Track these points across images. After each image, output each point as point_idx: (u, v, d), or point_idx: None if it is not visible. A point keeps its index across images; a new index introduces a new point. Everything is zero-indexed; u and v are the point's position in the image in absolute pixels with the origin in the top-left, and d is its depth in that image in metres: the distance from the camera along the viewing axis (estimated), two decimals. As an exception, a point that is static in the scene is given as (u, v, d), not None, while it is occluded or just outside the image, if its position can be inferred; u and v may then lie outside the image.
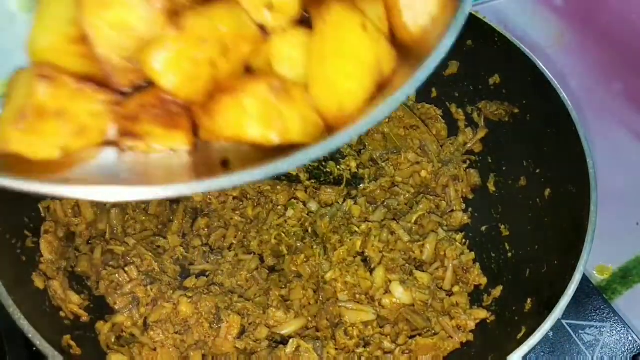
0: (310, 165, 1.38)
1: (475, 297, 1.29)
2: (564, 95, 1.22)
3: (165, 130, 0.61)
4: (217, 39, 0.59)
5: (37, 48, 0.60)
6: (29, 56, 0.61)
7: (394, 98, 0.59)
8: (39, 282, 1.16)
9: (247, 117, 0.60)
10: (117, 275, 1.23)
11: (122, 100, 0.62)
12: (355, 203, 1.38)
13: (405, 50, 0.66)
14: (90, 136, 0.61)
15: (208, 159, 0.65)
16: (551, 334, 1.27)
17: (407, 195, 1.41)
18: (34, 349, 1.03)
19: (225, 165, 0.63)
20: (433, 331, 1.21)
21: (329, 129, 0.64)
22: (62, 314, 1.16)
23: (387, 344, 1.19)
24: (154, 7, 0.57)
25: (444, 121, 1.50)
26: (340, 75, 0.61)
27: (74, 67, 0.61)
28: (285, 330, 1.21)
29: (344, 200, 1.38)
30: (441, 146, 1.48)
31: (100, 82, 0.62)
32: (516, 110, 1.36)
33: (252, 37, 0.63)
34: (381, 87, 0.64)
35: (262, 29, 0.64)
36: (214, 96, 0.62)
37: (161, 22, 0.58)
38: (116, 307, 1.22)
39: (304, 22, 0.65)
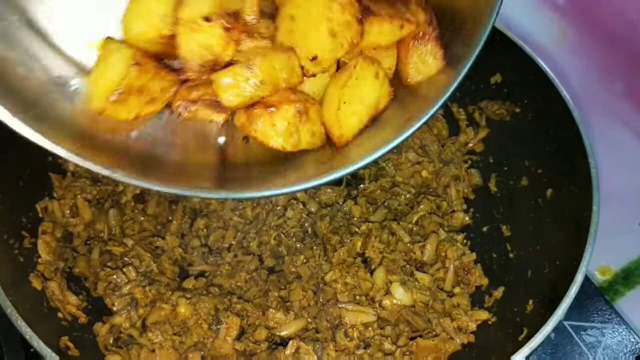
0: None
1: (477, 298, 1.29)
2: (565, 94, 1.21)
3: (213, 112, 0.83)
4: (273, 83, 0.79)
5: (131, 32, 0.77)
6: (123, 33, 0.78)
7: (389, 146, 0.79)
8: (36, 283, 1.15)
9: (274, 131, 0.81)
10: (115, 276, 1.22)
11: (188, 86, 0.81)
12: (356, 203, 1.37)
13: (402, 86, 0.86)
14: (157, 105, 0.80)
15: (234, 132, 0.86)
16: (553, 335, 1.26)
17: (407, 196, 1.40)
18: (32, 350, 1.03)
19: (246, 140, 0.86)
20: (434, 332, 1.21)
21: (330, 142, 0.84)
22: (60, 315, 1.16)
23: (387, 346, 1.18)
24: (231, 37, 0.78)
25: (445, 120, 1.50)
26: (348, 113, 0.81)
27: (155, 49, 0.79)
28: (285, 332, 1.20)
29: (344, 201, 1.38)
30: (442, 146, 1.48)
31: (169, 57, 0.80)
32: (517, 110, 1.35)
33: (296, 83, 0.82)
34: (374, 118, 0.84)
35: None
36: (255, 105, 0.81)
37: (233, 47, 0.79)
38: (114, 308, 1.21)
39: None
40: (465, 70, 0.77)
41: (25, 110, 0.74)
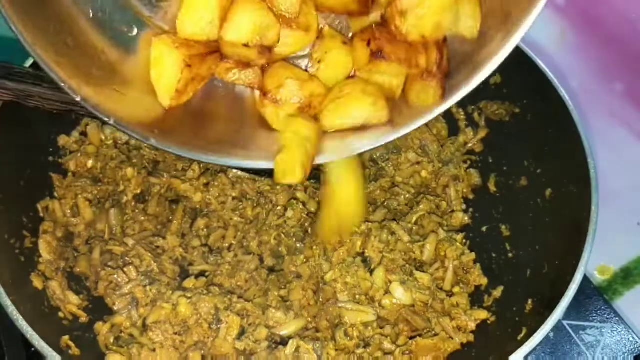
0: (310, 165, 1.37)
1: (476, 298, 1.29)
2: (565, 95, 1.22)
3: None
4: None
5: (184, 33, 0.87)
6: (178, 32, 0.88)
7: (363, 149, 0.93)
8: (37, 283, 1.16)
9: (277, 119, 0.92)
10: (116, 275, 1.23)
11: (226, 67, 0.92)
12: (356, 203, 1.37)
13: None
14: (206, 79, 0.92)
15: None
16: (552, 334, 1.26)
17: (407, 196, 1.41)
18: (33, 349, 1.03)
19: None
20: (433, 332, 1.21)
21: None
22: (60, 314, 1.16)
23: (387, 345, 1.19)
24: (264, 55, 0.90)
25: (444, 121, 1.50)
26: (334, 117, 0.92)
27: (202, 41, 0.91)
28: (285, 331, 1.20)
29: (344, 201, 1.38)
30: (442, 146, 1.48)
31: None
32: (517, 110, 1.35)
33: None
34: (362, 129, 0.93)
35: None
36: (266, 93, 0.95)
37: (266, 58, 0.91)
38: (115, 308, 1.21)
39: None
40: (453, 103, 0.87)
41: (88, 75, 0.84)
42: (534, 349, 1.04)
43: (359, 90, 0.88)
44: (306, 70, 0.94)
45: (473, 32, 0.87)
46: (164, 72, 0.87)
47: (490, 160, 1.44)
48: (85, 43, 0.86)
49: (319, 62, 0.91)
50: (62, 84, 0.80)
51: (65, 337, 1.10)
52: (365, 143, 0.91)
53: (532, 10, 0.79)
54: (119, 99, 0.86)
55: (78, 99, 0.81)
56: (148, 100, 0.89)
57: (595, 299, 1.36)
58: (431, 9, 0.82)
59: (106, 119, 0.83)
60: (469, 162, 1.46)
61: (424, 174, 1.44)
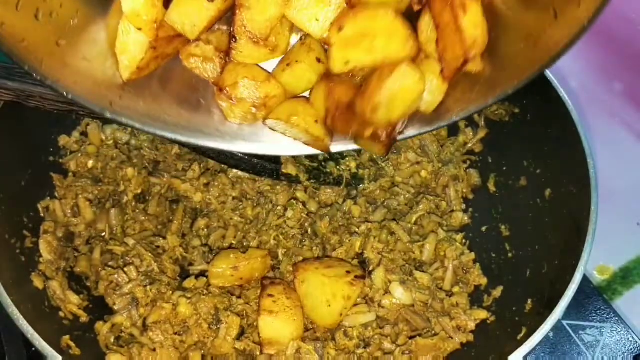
0: (310, 165, 1.37)
1: (476, 298, 1.29)
2: (564, 95, 1.22)
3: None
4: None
5: (166, 15, 0.84)
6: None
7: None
8: (38, 282, 1.16)
9: (233, 114, 0.92)
10: (116, 275, 1.23)
11: (189, 53, 0.92)
12: (355, 203, 1.37)
13: None
14: (170, 57, 0.91)
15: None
16: (551, 334, 1.26)
17: (407, 196, 1.41)
18: (33, 349, 1.04)
19: None
20: (433, 332, 1.21)
21: None
22: (61, 314, 1.17)
23: (387, 345, 1.19)
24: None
25: (444, 121, 1.50)
26: (281, 128, 0.92)
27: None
28: (285, 331, 1.20)
29: (344, 201, 1.38)
30: (441, 146, 1.48)
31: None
32: (517, 110, 1.35)
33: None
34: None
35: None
36: (222, 90, 0.93)
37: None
38: (115, 308, 1.22)
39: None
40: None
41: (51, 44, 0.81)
42: (534, 349, 1.04)
43: (303, 128, 0.89)
44: (268, 72, 0.92)
45: (430, 108, 0.87)
46: (128, 48, 0.86)
47: (490, 160, 1.44)
48: (58, 6, 0.81)
49: (287, 65, 0.89)
50: (24, 65, 0.77)
51: (66, 337, 1.10)
52: (297, 148, 0.94)
53: (493, 94, 0.83)
54: (82, 69, 0.84)
55: (38, 78, 0.78)
56: (109, 66, 0.87)
57: (595, 299, 1.36)
58: (404, 103, 0.83)
59: (64, 93, 0.81)
60: (468, 162, 1.47)
61: (423, 174, 1.44)
